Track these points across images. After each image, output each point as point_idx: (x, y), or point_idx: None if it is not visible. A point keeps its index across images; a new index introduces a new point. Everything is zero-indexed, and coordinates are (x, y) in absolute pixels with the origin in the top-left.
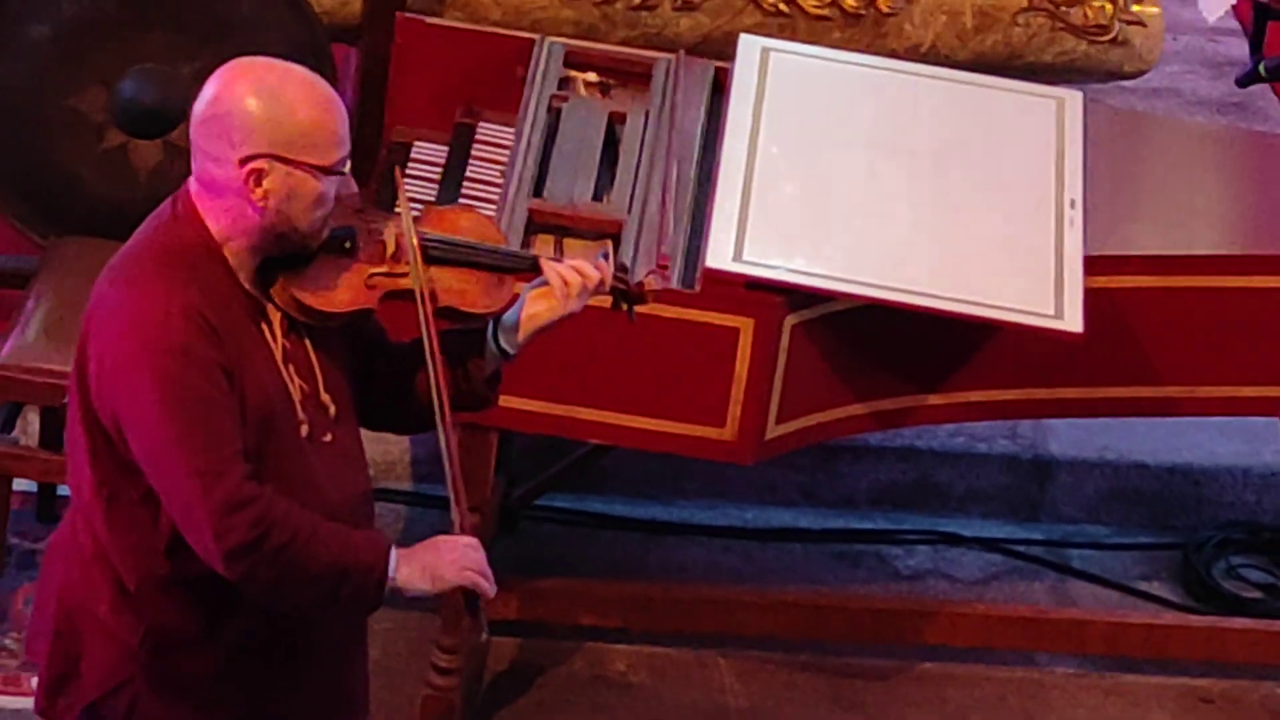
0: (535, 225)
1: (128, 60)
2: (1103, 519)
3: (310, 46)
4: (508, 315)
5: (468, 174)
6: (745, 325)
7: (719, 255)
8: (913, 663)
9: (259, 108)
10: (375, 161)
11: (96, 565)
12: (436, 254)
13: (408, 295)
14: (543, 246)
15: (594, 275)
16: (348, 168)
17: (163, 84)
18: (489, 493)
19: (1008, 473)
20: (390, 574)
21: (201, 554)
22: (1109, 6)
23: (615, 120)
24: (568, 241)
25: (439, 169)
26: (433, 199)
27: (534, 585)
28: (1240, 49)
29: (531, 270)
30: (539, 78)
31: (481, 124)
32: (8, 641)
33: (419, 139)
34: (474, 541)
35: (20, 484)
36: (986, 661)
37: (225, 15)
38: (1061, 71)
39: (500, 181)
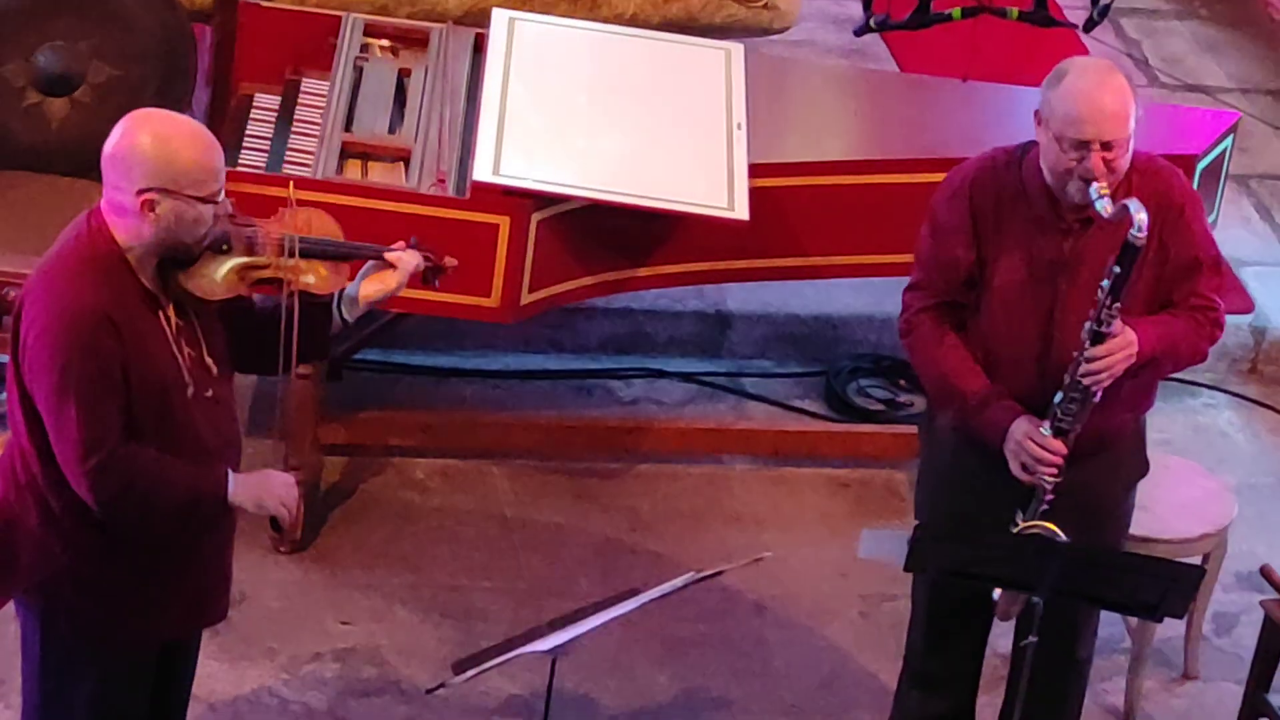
0: (347, 152)
1: (41, 39)
2: (768, 355)
3: (176, 27)
4: (349, 290)
5: (296, 116)
6: (503, 221)
7: (482, 170)
8: (633, 465)
9: (152, 151)
10: (226, 109)
11: (29, 491)
12: (302, 249)
13: (272, 282)
14: (353, 168)
15: (419, 261)
16: (221, 196)
17: (67, 57)
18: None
19: (698, 324)
20: (229, 496)
21: (84, 498)
22: None
23: (403, 75)
24: (370, 164)
25: (275, 113)
26: (269, 136)
27: (355, 417)
28: (856, 9)
29: (374, 258)
30: (346, 44)
31: (305, 80)
32: None
33: (259, 92)
34: (291, 480)
35: None
36: (686, 462)
37: (113, 4)
38: (727, 30)
39: (320, 121)
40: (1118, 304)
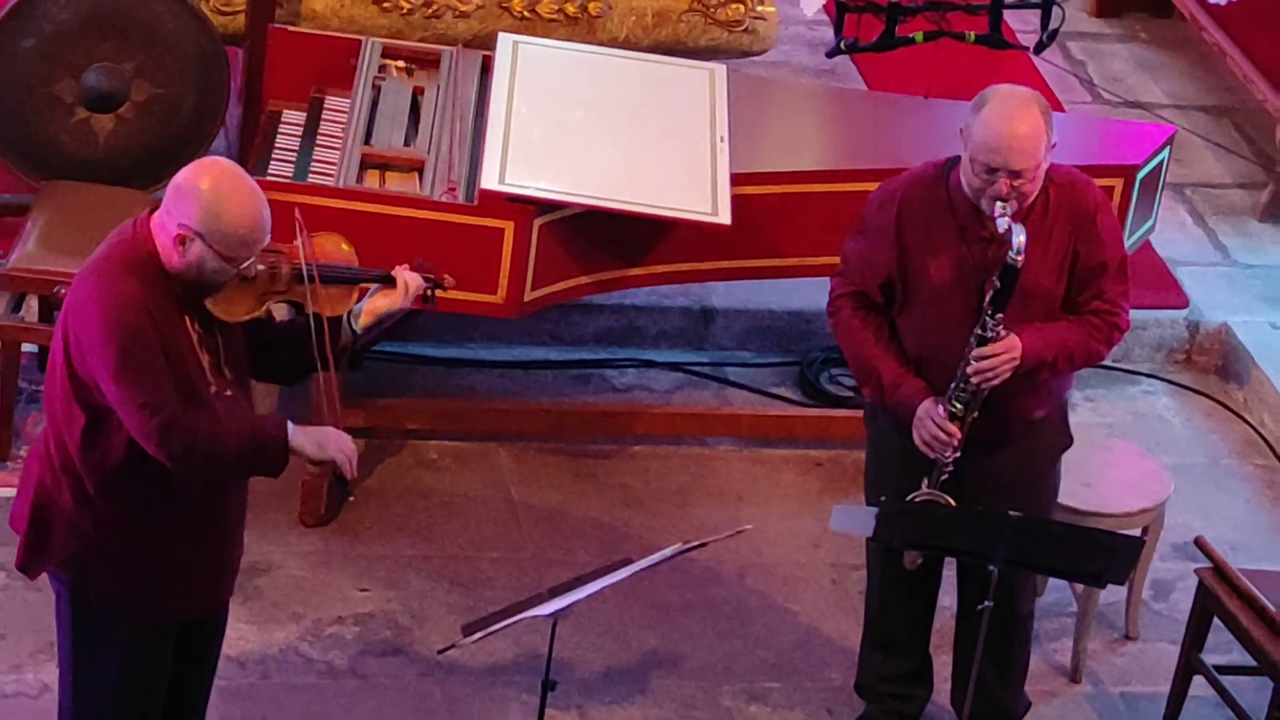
0: (366, 164)
1: (89, 60)
2: (748, 347)
3: (211, 49)
4: (357, 306)
5: (320, 130)
6: (508, 226)
7: (489, 180)
8: (625, 446)
9: (206, 198)
10: (257, 124)
11: (64, 473)
12: (315, 275)
13: (289, 304)
14: (372, 178)
15: (421, 283)
16: (247, 264)
17: (113, 76)
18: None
19: (684, 318)
20: (290, 439)
21: (155, 457)
22: (741, 7)
23: (417, 93)
24: (388, 174)
25: (301, 127)
26: (296, 148)
27: (374, 403)
28: (828, 33)
29: (382, 281)
30: (365, 65)
31: (328, 97)
32: (22, 453)
33: (286, 109)
34: (346, 435)
35: (26, 347)
36: (674, 444)
37: (155, 29)
38: (712, 52)
39: (342, 135)
40: (1000, 314)
